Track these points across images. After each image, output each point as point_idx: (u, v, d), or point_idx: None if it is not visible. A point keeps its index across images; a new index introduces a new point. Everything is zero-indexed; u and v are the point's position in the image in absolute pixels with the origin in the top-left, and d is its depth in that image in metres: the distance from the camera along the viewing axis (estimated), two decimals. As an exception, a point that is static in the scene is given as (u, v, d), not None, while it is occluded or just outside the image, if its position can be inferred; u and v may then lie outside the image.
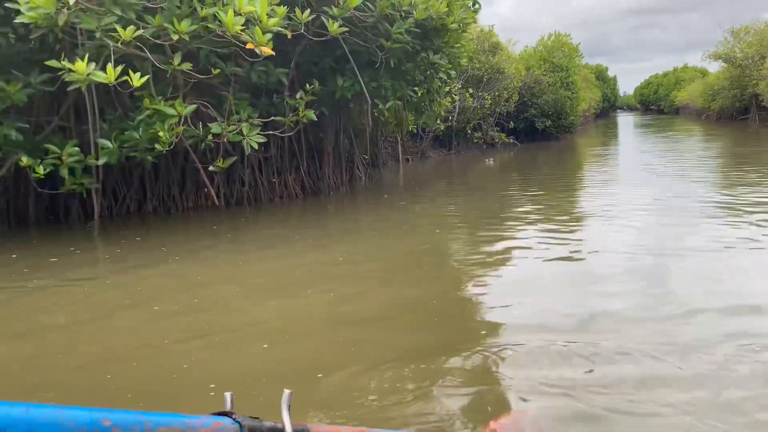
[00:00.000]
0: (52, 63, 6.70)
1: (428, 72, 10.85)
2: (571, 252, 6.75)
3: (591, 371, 3.59)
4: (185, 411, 2.77)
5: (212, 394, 3.43)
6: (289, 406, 2.07)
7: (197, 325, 4.72)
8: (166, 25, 6.55)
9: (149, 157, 8.41)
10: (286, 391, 2.10)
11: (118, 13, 6.32)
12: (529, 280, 5.75)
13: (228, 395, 2.06)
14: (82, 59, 6.89)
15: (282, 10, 7.25)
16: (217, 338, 4.46)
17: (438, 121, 15.89)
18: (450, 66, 10.78)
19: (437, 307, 5.07)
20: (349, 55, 9.08)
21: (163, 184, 10.20)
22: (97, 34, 6.28)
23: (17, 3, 6.45)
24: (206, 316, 4.96)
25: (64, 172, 7.42)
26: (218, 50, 7.67)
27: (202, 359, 4.03)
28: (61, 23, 6.13)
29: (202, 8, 6.58)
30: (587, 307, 4.81)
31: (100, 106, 8.34)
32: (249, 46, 6.73)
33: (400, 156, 18.05)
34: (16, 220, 9.60)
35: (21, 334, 4.68)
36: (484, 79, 20.50)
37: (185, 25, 6.55)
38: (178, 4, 6.66)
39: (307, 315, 4.97)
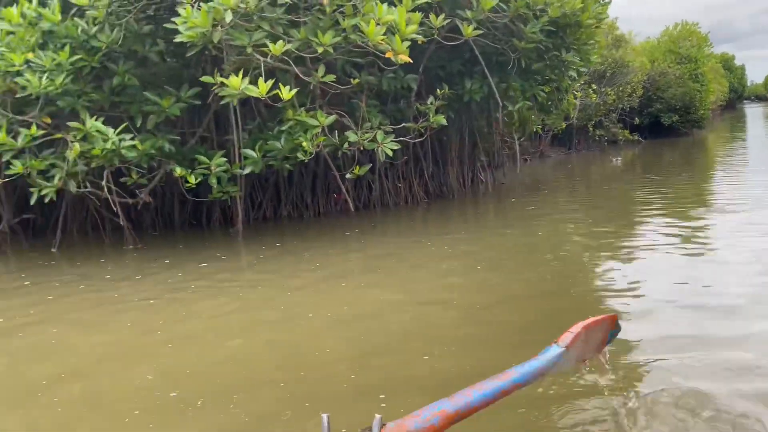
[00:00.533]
0: (206, 79, 7.07)
1: (558, 70, 10.50)
2: (699, 253, 6.65)
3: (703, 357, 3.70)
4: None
5: (383, 405, 3.44)
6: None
7: (354, 332, 4.77)
8: (310, 38, 6.72)
9: (287, 166, 8.71)
10: (377, 416, 2.11)
11: (267, 28, 6.56)
12: (658, 280, 5.70)
13: (325, 417, 2.06)
14: (228, 74, 7.24)
15: (417, 16, 7.24)
16: (375, 344, 4.47)
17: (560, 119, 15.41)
18: (581, 63, 10.37)
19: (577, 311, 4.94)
20: (480, 58, 8.94)
21: (297, 191, 10.54)
22: (248, 50, 6.54)
23: (174, 23, 6.86)
24: (360, 323, 4.99)
25: (213, 181, 7.81)
26: (354, 60, 7.79)
27: (366, 367, 4.04)
28: (215, 40, 6.44)
29: (343, 20, 6.69)
30: (715, 307, 4.79)
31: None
32: (388, 54, 6.77)
33: (518, 157, 17.66)
34: (162, 224, 10.27)
35: (194, 337, 4.92)
36: (607, 74, 19.63)
37: (329, 38, 6.69)
38: (321, 17, 6.82)
39: (453, 321, 4.90)
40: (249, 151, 7.88)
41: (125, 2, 7.36)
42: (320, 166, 10.38)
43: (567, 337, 2.70)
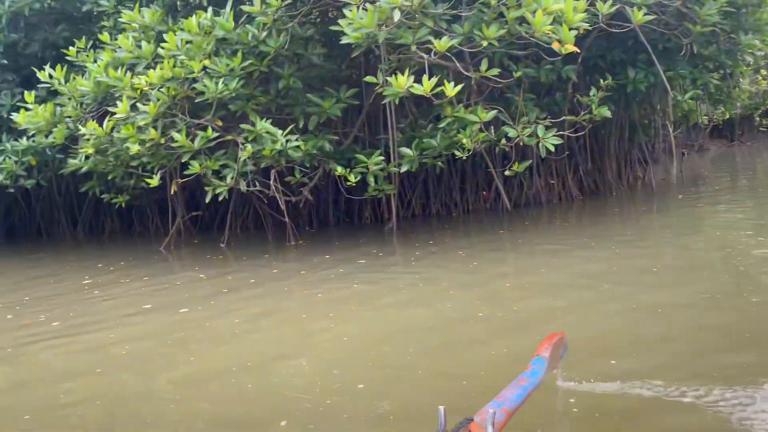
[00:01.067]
0: (369, 78, 7.18)
1: (732, 55, 9.59)
2: None
3: None
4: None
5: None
6: (493, 423, 2.11)
7: (528, 334, 4.57)
8: (474, 32, 6.60)
9: (439, 163, 8.67)
10: (490, 411, 2.19)
11: (430, 25, 6.52)
12: None
13: (441, 409, 2.11)
14: (389, 73, 7.30)
15: (583, 4, 6.87)
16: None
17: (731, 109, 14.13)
18: (760, 46, 9.40)
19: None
20: (647, 45, 8.36)
21: (445, 188, 10.48)
22: (413, 48, 6.54)
23: (339, 25, 7.01)
24: (530, 325, 4.79)
25: (371, 179, 7.93)
26: (512, 52, 7.56)
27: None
28: (380, 40, 6.51)
29: (507, 12, 6.49)
30: None
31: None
32: (555, 45, 6.48)
33: (674, 150, 16.42)
34: (317, 222, 10.62)
35: (365, 330, 4.95)
36: (778, 57, 17.74)
37: (493, 31, 6.52)
38: (484, 10, 6.67)
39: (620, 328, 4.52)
40: (406, 150, 7.91)
41: (290, 8, 7.64)
42: (469, 162, 10.23)
43: (546, 351, 2.94)
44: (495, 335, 4.59)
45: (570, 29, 6.54)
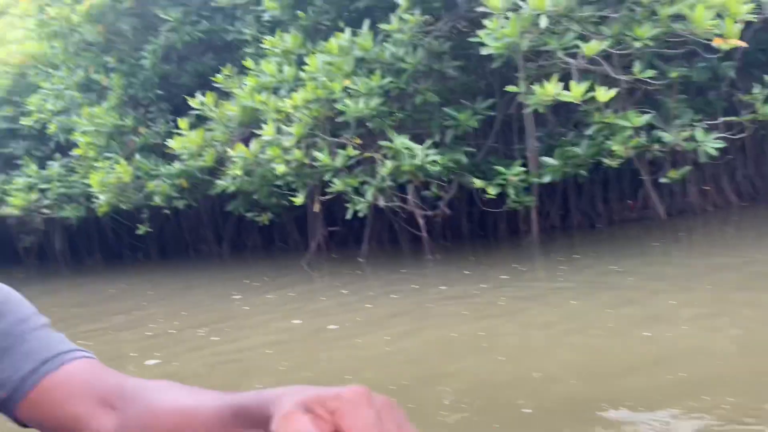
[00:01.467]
0: (511, 88, 6.98)
1: None
2: None
3: None
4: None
5: None
6: None
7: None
8: (625, 33, 6.22)
9: (582, 172, 8.25)
10: None
11: (577, 29, 6.22)
12: None
13: None
14: (531, 81, 7.06)
15: (747, -6, 6.27)
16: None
17: None
18: None
19: None
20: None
21: (587, 198, 9.99)
22: (559, 53, 6.28)
23: (472, 36, 6.89)
24: (698, 346, 4.34)
25: (511, 191, 7.69)
26: (663, 51, 7.05)
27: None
28: (524, 48, 6.30)
29: (661, 8, 6.05)
30: None
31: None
32: (716, 41, 5.95)
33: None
34: (451, 235, 10.50)
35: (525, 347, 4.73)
36: None
37: (647, 30, 6.11)
38: (634, 8, 6.27)
39: None
40: (549, 159, 7.60)
41: (424, 24, 7.63)
42: (613, 170, 9.68)
43: None
44: (660, 358, 4.21)
45: (734, 22, 5.98)
